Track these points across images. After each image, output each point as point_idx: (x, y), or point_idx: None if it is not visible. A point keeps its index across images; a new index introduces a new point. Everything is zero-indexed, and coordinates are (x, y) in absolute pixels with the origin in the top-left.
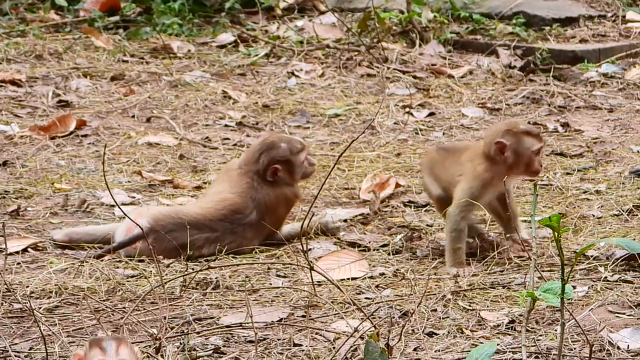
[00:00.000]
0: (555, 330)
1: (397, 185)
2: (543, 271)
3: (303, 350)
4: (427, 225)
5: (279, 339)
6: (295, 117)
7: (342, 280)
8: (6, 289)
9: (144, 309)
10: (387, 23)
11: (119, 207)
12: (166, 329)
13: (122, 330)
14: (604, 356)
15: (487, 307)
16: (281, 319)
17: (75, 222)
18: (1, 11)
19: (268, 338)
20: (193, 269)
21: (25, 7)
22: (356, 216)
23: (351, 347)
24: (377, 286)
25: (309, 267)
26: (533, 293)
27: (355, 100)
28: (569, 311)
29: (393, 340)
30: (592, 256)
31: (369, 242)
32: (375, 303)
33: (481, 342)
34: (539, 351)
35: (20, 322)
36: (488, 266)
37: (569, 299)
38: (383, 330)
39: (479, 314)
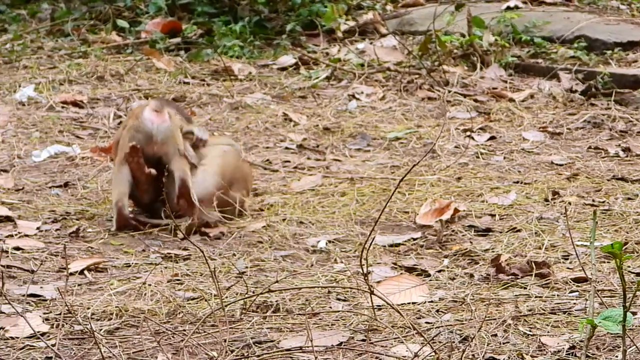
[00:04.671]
0: (617, 357)
1: (456, 210)
2: (604, 297)
3: None
4: (484, 250)
5: None
6: (356, 140)
7: (402, 304)
8: (67, 310)
9: (204, 332)
10: (448, 46)
11: (180, 230)
12: (226, 352)
13: (182, 352)
14: None
15: (548, 332)
16: (341, 343)
17: (135, 244)
18: (63, 32)
19: None
20: (254, 292)
21: (87, 29)
22: (414, 240)
23: None
24: (437, 311)
25: (369, 291)
26: (592, 320)
27: (416, 123)
28: (630, 338)
29: None
30: None
31: (428, 267)
32: (435, 327)
33: None
34: None
35: (81, 344)
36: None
37: (629, 326)
38: (443, 355)
39: (540, 339)
